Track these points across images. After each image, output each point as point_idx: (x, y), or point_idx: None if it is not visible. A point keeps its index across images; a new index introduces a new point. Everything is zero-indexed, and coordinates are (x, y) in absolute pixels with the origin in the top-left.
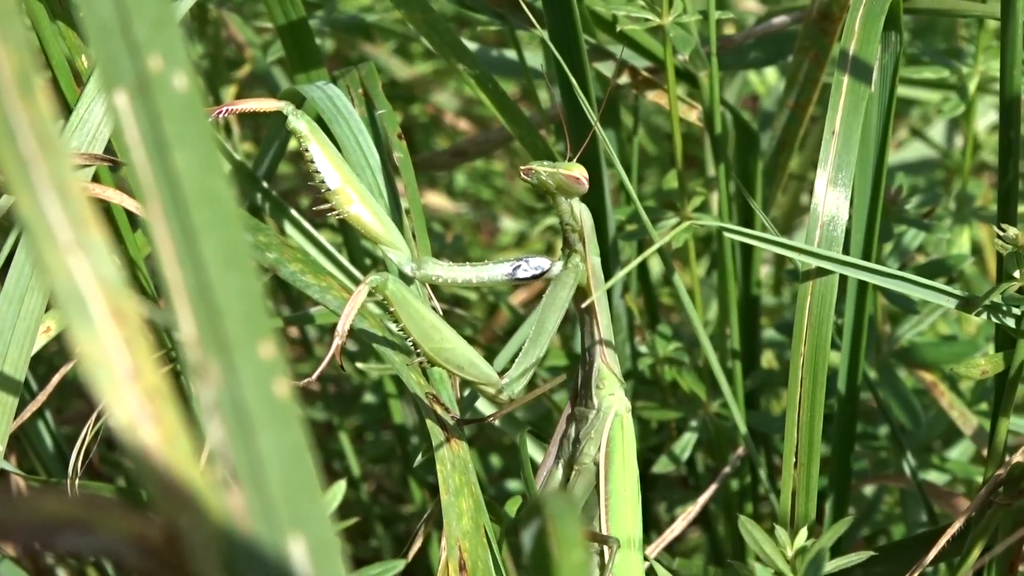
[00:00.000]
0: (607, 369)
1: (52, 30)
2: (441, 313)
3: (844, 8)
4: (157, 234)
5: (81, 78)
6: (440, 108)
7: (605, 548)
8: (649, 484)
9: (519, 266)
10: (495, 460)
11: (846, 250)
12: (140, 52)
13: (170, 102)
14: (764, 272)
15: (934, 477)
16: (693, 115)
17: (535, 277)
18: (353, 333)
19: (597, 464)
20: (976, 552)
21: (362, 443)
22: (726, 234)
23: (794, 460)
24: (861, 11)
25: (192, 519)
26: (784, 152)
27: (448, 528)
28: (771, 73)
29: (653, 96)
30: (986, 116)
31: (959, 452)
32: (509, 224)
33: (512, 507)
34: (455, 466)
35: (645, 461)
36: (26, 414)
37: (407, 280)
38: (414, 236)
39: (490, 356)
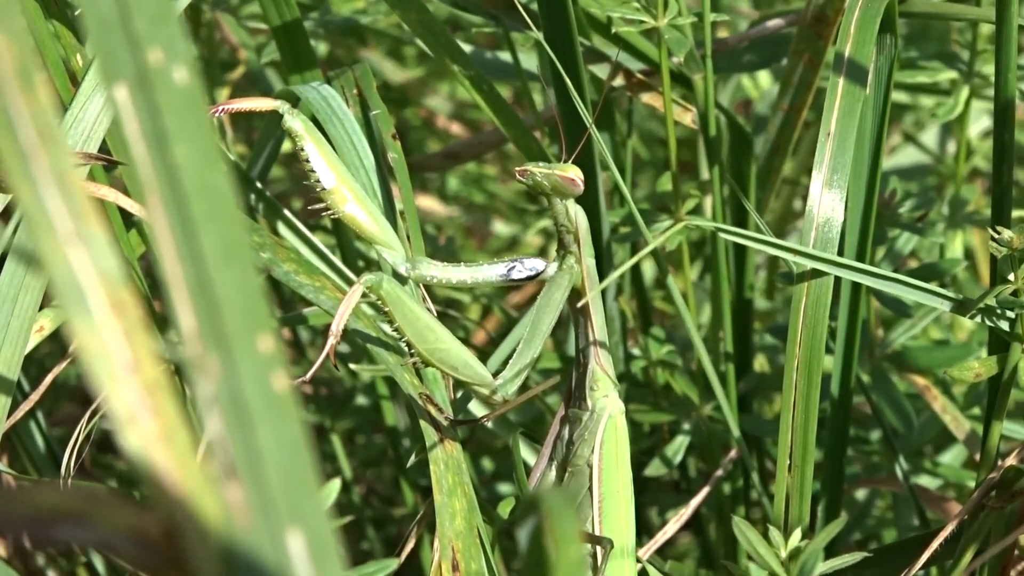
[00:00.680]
0: (601, 371)
1: (47, 29)
2: (435, 314)
3: (839, 11)
4: (157, 228)
5: (76, 78)
6: (433, 112)
7: (598, 549)
8: (641, 488)
9: (514, 267)
10: (487, 463)
11: (840, 253)
12: (140, 46)
13: (170, 95)
14: (758, 277)
15: (926, 482)
16: (687, 118)
17: (530, 278)
18: (347, 334)
19: (591, 466)
20: (968, 556)
21: (354, 446)
22: (720, 235)
23: (788, 462)
24: (857, 13)
25: (190, 513)
26: (778, 155)
27: (441, 528)
28: (765, 77)
29: (648, 98)
30: (979, 122)
31: (951, 457)
32: (501, 228)
33: (505, 509)
34: (448, 466)
35: (638, 464)
36: (19, 413)
37: (401, 280)
38: (408, 237)
39: (483, 359)
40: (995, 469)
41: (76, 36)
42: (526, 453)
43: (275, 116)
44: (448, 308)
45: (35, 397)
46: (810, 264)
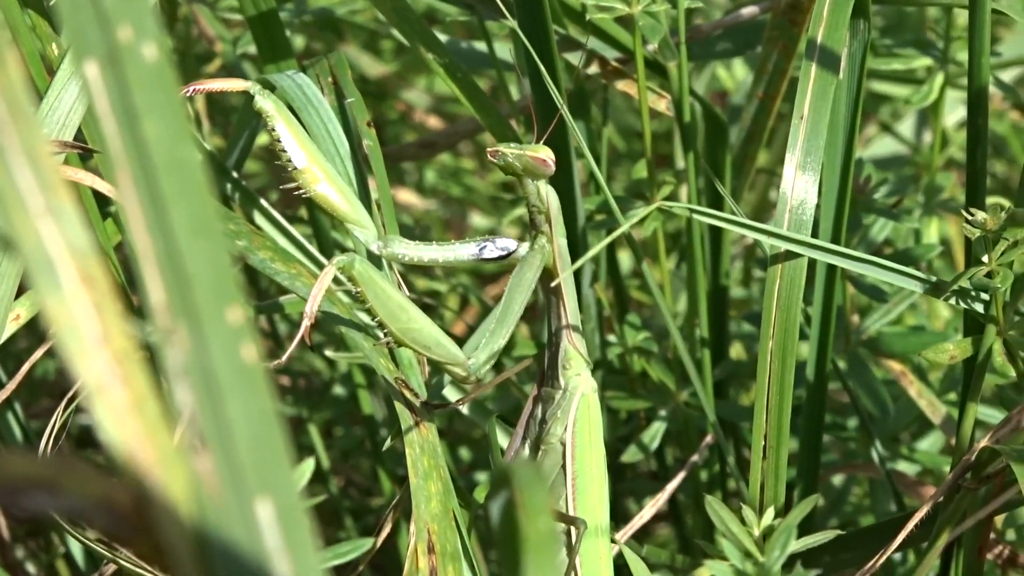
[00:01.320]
0: (574, 350)
1: (23, 21)
2: (408, 294)
3: None
4: (127, 203)
5: (52, 68)
6: (410, 105)
7: (572, 529)
8: (617, 476)
9: (485, 246)
10: (464, 453)
11: (815, 237)
12: (110, 22)
13: (139, 72)
14: (733, 267)
15: (904, 468)
16: (662, 104)
17: (501, 258)
18: (322, 323)
19: (563, 444)
20: (944, 538)
21: (331, 438)
22: (696, 218)
23: (763, 443)
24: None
25: (160, 482)
26: (753, 143)
27: (417, 511)
28: (740, 68)
29: (622, 85)
30: (955, 112)
31: (928, 444)
32: (479, 220)
33: (480, 494)
34: (424, 450)
35: (614, 451)
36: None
37: (374, 260)
38: (383, 224)
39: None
40: (970, 450)
41: (52, 26)
42: (503, 440)
43: (249, 105)
44: (426, 298)
45: (11, 386)
46: (784, 246)
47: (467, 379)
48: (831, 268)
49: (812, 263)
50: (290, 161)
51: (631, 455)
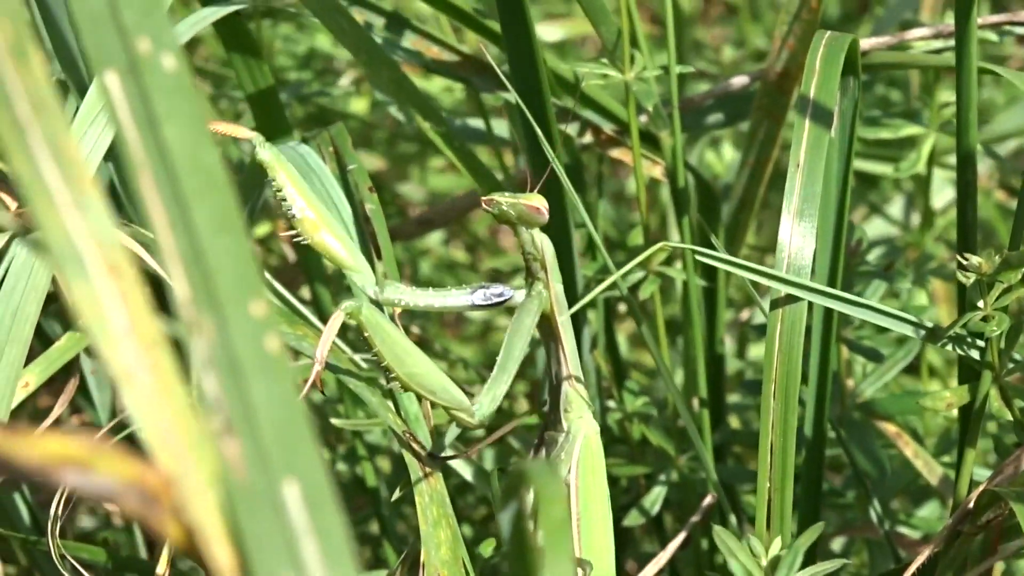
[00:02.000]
0: (575, 392)
1: None
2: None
3: (802, 66)
4: (150, 204)
5: None
6: (406, 200)
7: (579, 571)
8: (619, 544)
9: (479, 292)
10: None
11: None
12: (129, 36)
13: (160, 80)
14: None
15: (902, 532)
16: (657, 171)
17: (495, 304)
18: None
19: (568, 485)
20: None
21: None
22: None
23: (768, 485)
24: (821, 51)
25: (189, 466)
26: (745, 211)
27: (427, 556)
28: (729, 151)
29: (617, 153)
30: (943, 193)
31: (927, 511)
32: (476, 313)
33: (487, 548)
34: (432, 499)
35: (615, 520)
36: None
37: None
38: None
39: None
40: (969, 495)
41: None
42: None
43: (255, 175)
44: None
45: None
46: (784, 289)
47: (473, 425)
48: (827, 326)
49: (808, 325)
50: (290, 210)
51: (632, 519)
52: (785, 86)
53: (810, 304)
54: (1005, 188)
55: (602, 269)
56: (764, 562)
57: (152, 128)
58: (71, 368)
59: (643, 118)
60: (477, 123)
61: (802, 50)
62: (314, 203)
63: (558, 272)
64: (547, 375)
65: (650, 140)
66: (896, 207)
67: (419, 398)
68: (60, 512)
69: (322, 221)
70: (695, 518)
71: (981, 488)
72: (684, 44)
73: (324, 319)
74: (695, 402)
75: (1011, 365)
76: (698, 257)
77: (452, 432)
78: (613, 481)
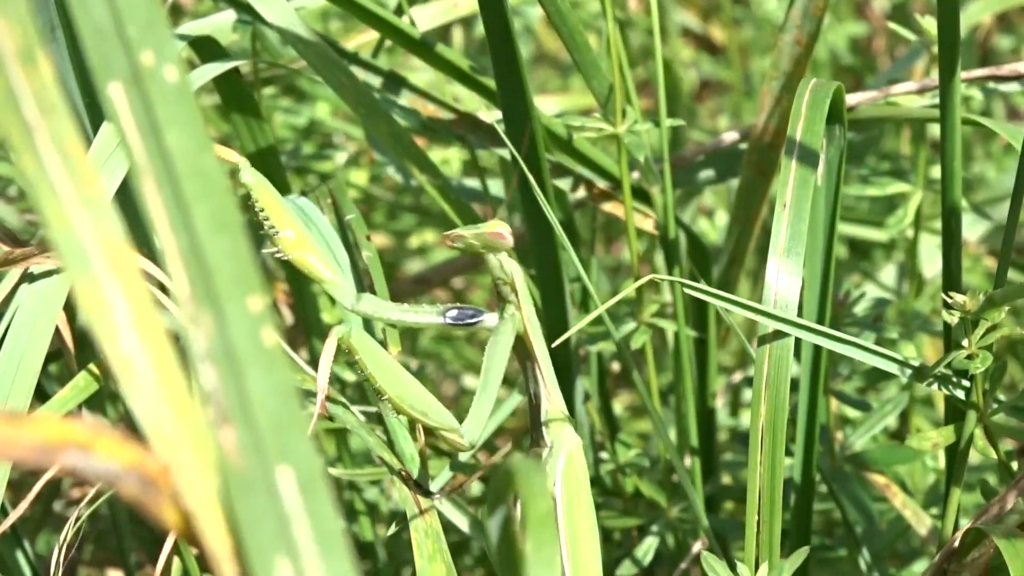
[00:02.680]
0: (554, 408)
1: None
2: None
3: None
4: (151, 205)
5: None
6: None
7: None
8: None
9: (452, 311)
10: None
11: (797, 349)
12: (133, 49)
13: (162, 91)
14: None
15: None
16: (648, 224)
17: (468, 324)
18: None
19: (554, 499)
20: None
21: None
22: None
23: (756, 518)
24: (807, 96)
25: (187, 452)
26: (735, 266)
27: None
28: (722, 217)
29: (609, 207)
30: (934, 260)
31: (919, 567)
32: (472, 382)
33: None
34: (428, 534)
35: (608, 573)
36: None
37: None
38: (384, 333)
39: None
40: (955, 534)
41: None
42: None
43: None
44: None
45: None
46: (772, 325)
47: (464, 447)
48: (815, 373)
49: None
50: (272, 227)
51: (625, 570)
52: (774, 141)
53: (797, 351)
54: (994, 255)
55: (596, 321)
56: None
57: (154, 134)
58: None
59: (635, 175)
60: (473, 183)
61: (790, 105)
62: (294, 222)
63: (528, 295)
64: (527, 395)
65: (642, 196)
66: (888, 275)
67: (411, 426)
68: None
69: (301, 239)
70: (684, 565)
71: (967, 526)
72: (679, 111)
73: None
74: (687, 456)
75: (995, 405)
76: (686, 291)
77: (445, 475)
78: (606, 535)
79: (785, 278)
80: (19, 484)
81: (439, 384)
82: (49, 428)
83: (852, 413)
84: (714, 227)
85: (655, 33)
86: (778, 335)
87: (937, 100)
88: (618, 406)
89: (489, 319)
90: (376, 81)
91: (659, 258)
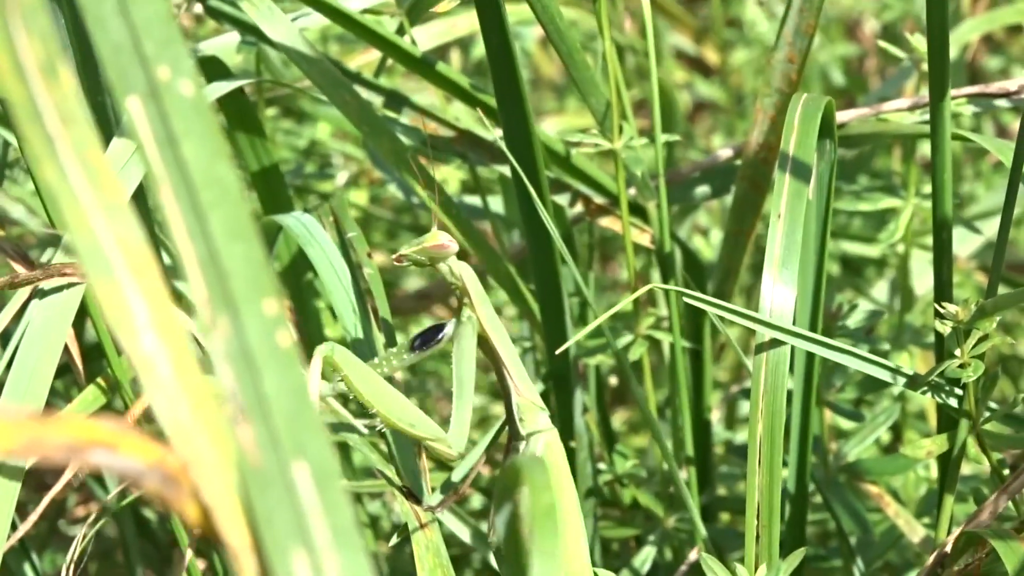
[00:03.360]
0: (525, 400)
1: None
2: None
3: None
4: (169, 214)
5: None
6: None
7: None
8: None
9: (415, 340)
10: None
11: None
12: (149, 65)
13: (178, 104)
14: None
15: None
16: (645, 238)
17: (436, 344)
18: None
19: None
20: None
21: None
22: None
23: (756, 522)
24: (799, 110)
25: (206, 449)
26: (729, 280)
27: None
28: (716, 234)
29: (606, 222)
30: (925, 276)
31: None
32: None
33: None
34: (428, 548)
35: None
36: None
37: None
38: (384, 348)
39: None
40: (948, 538)
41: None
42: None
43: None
44: None
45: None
46: (768, 333)
47: (453, 456)
48: (807, 383)
49: (791, 396)
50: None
51: None
52: (767, 156)
53: (791, 363)
54: (985, 271)
55: (594, 334)
56: None
57: (171, 146)
58: None
59: (632, 191)
60: (474, 200)
61: (783, 121)
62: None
63: (483, 294)
64: (500, 392)
65: (639, 212)
66: (881, 291)
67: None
68: None
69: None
70: (681, 572)
71: (960, 530)
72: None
73: None
74: (683, 467)
75: (987, 414)
76: (683, 302)
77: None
78: (605, 545)
79: (780, 288)
80: (24, 503)
81: (438, 402)
82: (76, 428)
83: (846, 424)
84: (709, 245)
85: (650, 44)
86: (775, 343)
87: (927, 117)
88: (616, 422)
89: (450, 328)
90: (378, 100)
91: (655, 274)
